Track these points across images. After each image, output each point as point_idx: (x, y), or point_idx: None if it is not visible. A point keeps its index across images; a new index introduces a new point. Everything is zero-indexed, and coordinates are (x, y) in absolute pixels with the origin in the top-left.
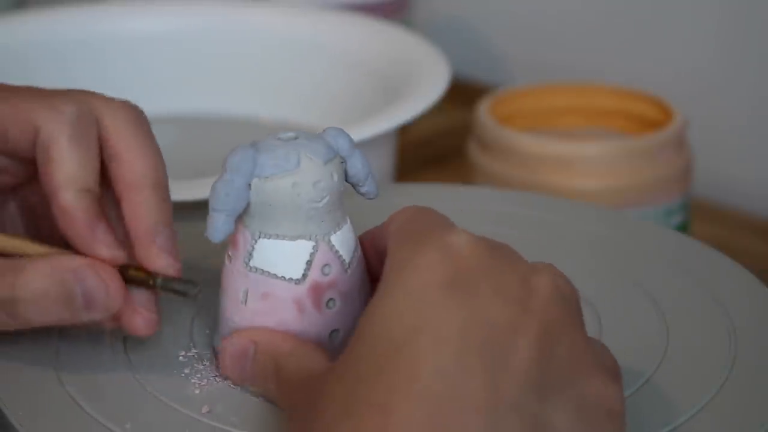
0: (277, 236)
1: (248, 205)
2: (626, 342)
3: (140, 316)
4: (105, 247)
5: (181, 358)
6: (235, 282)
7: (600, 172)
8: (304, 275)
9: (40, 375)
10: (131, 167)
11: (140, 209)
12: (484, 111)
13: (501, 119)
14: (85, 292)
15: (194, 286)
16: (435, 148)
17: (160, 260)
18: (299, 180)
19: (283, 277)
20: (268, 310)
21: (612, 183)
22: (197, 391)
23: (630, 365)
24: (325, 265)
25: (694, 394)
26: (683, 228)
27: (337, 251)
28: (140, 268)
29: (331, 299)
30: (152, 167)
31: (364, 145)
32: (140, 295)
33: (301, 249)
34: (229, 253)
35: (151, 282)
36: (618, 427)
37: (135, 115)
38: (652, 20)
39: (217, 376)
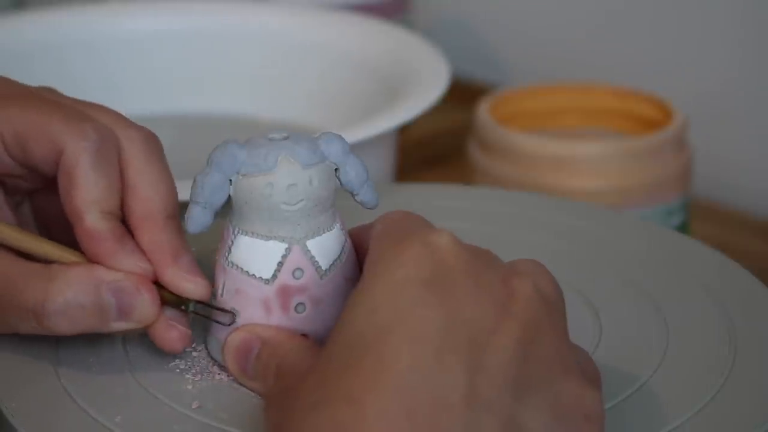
0: (253, 234)
1: (231, 200)
2: (626, 342)
3: (176, 330)
4: (138, 260)
5: None
6: (218, 275)
7: (600, 172)
8: (274, 276)
9: (39, 368)
10: (145, 198)
11: (158, 238)
12: (484, 111)
13: (501, 119)
14: (121, 303)
15: (227, 313)
16: (435, 148)
17: (188, 283)
18: (273, 181)
19: (254, 276)
20: (238, 307)
21: (612, 183)
22: (190, 387)
23: (630, 365)
24: (297, 269)
25: (694, 394)
26: (683, 228)
27: (312, 257)
28: (170, 291)
29: (300, 303)
30: (166, 197)
31: (365, 146)
32: (171, 311)
33: (274, 250)
34: (220, 246)
35: (183, 307)
36: (596, 431)
37: (151, 144)
38: (653, 20)
39: (211, 372)
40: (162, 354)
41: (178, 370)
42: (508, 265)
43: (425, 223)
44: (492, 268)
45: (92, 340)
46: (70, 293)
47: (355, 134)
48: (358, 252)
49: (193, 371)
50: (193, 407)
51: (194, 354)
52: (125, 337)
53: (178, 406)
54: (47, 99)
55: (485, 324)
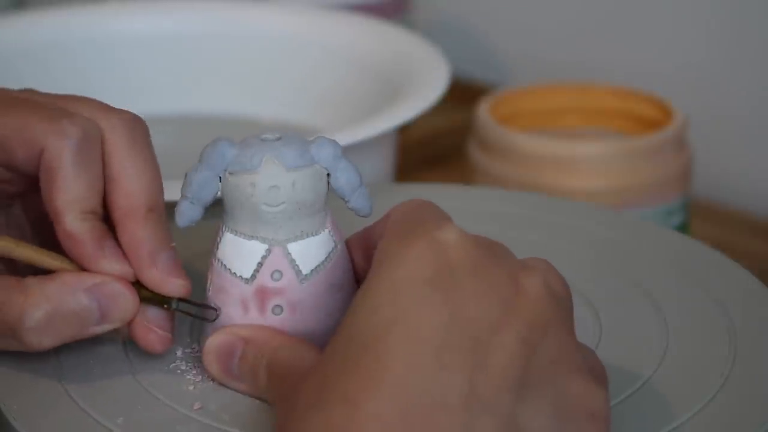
0: (237, 232)
1: (221, 198)
2: (626, 342)
3: (154, 334)
4: (115, 263)
5: (179, 353)
6: (209, 272)
7: (600, 172)
8: (253, 276)
9: (40, 370)
10: (127, 191)
11: (137, 235)
12: (484, 111)
13: (501, 119)
14: (102, 306)
15: (210, 309)
16: (435, 148)
17: (167, 285)
18: (256, 181)
19: (235, 274)
20: (220, 304)
21: (612, 183)
22: (191, 388)
23: (630, 365)
24: (276, 270)
25: (694, 394)
26: (683, 228)
27: (293, 260)
28: (152, 291)
29: (277, 306)
30: (148, 189)
31: (365, 146)
32: (153, 312)
33: (254, 250)
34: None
35: (165, 305)
36: (601, 430)
37: (135, 130)
38: (652, 20)
39: None
40: (163, 355)
41: (179, 371)
42: (518, 261)
43: (437, 215)
44: (500, 265)
45: (93, 341)
46: (49, 305)
47: (355, 134)
48: (364, 256)
49: (194, 372)
50: (195, 408)
51: (195, 355)
52: (126, 338)
53: (180, 408)
54: (25, 100)
55: (489, 322)
